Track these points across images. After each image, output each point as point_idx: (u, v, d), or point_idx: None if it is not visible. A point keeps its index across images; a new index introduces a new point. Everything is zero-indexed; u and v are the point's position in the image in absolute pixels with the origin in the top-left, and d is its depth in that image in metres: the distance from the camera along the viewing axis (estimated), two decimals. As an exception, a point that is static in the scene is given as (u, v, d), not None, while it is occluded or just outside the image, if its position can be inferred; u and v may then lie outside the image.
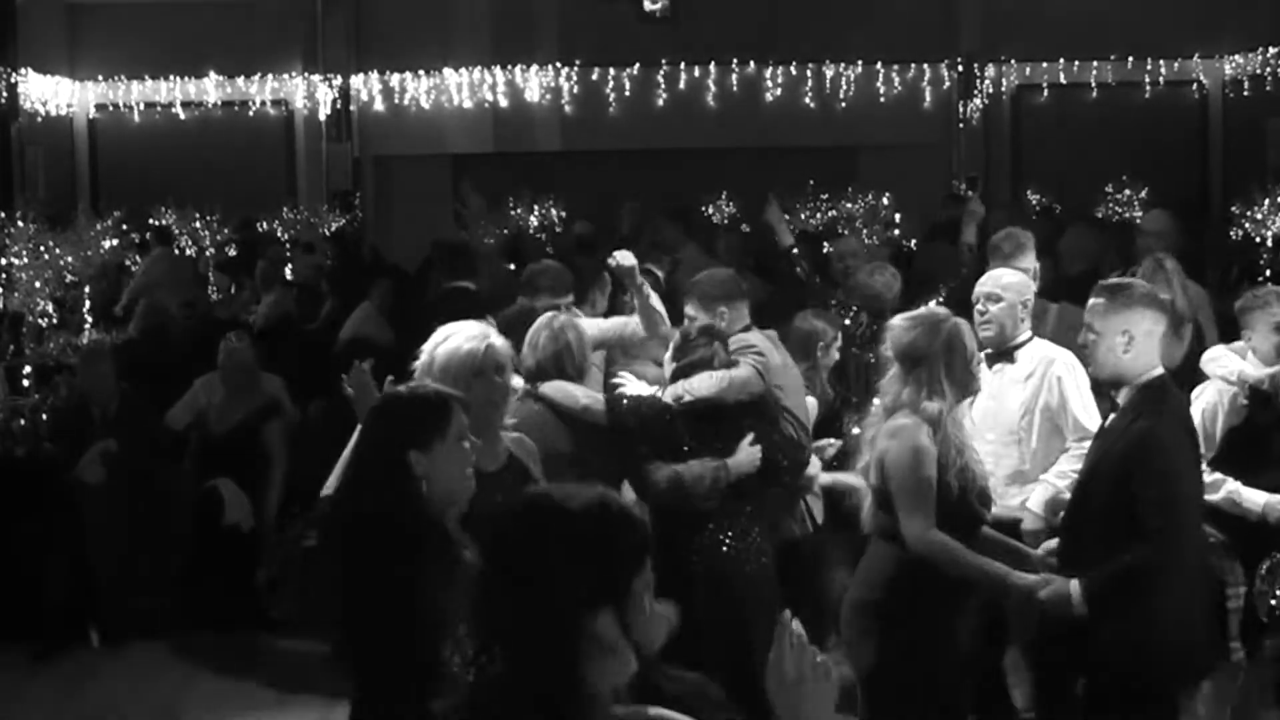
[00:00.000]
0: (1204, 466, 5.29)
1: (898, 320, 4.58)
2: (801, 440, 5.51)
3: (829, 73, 15.67)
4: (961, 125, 15.79)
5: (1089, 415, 5.04)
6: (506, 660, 2.29)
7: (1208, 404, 5.38)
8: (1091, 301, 4.49)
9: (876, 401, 4.62)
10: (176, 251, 12.93)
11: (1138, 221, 7.91)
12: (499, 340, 4.21)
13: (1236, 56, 15.44)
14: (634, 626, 2.31)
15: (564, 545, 2.28)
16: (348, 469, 3.48)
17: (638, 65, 15.55)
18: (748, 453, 5.02)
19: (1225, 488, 5.25)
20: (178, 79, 15.59)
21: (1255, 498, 5.19)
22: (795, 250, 7.58)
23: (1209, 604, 4.47)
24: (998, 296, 5.32)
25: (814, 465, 5.50)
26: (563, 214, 13.57)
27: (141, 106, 15.70)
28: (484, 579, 2.37)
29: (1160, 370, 4.38)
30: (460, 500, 3.49)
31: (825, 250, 11.49)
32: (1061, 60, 15.67)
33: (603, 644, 2.27)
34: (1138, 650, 4.25)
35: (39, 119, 14.48)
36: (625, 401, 5.09)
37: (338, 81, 15.70)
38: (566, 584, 2.26)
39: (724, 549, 5.00)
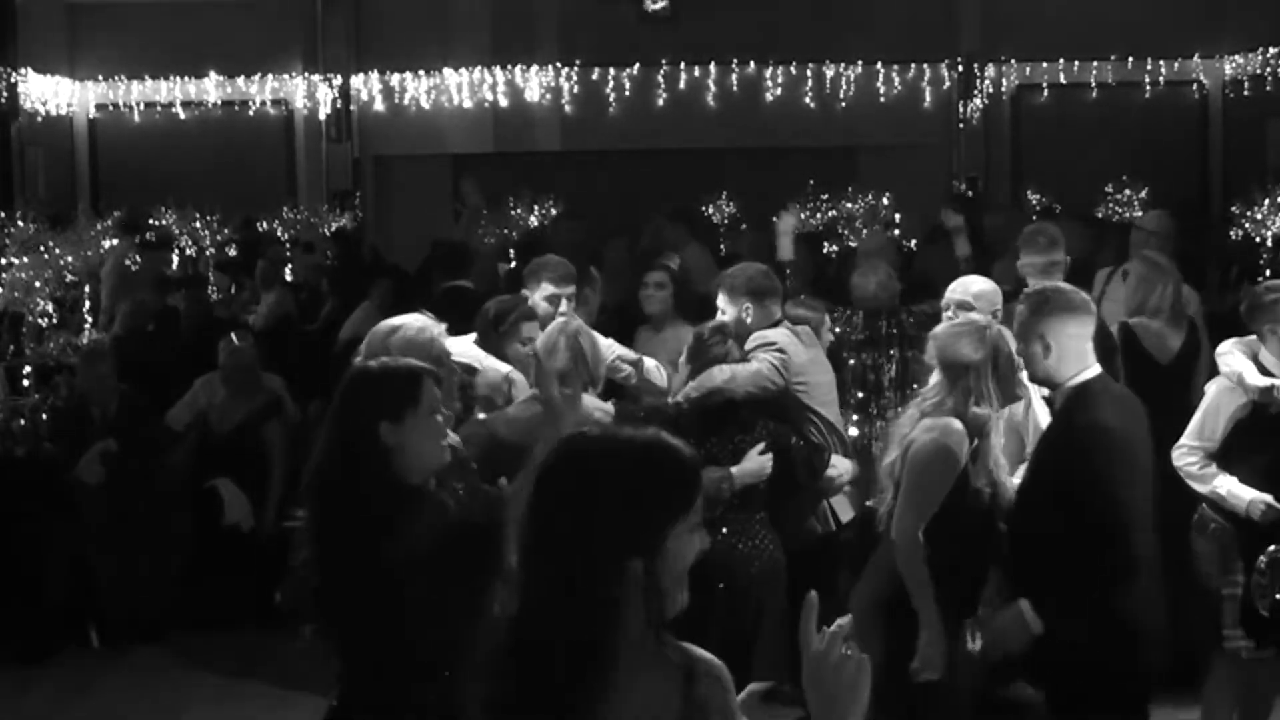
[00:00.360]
0: (1196, 459, 5.31)
1: (941, 328, 4.68)
2: (824, 442, 5.52)
3: (829, 73, 15.66)
4: (961, 125, 15.77)
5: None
6: (547, 599, 2.29)
7: (1211, 399, 5.39)
8: (1016, 309, 4.54)
9: (912, 406, 4.67)
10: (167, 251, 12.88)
11: (1134, 220, 7.88)
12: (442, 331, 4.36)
13: (1236, 56, 15.43)
14: (676, 566, 2.33)
15: (610, 488, 2.30)
16: (321, 442, 3.50)
17: (638, 65, 15.55)
18: (755, 461, 5.03)
19: (1215, 481, 5.26)
20: (178, 79, 15.57)
21: (1241, 494, 5.19)
22: (788, 269, 7.59)
23: (1165, 599, 4.45)
24: (969, 305, 5.33)
25: (840, 465, 5.51)
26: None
27: (141, 106, 15.68)
28: (528, 516, 2.38)
29: (1093, 373, 4.38)
30: (433, 471, 3.51)
31: (825, 250, 11.53)
32: (1061, 60, 15.66)
33: (647, 584, 2.29)
34: (1099, 652, 4.24)
35: (39, 119, 14.46)
36: (639, 416, 5.11)
37: (338, 81, 15.69)
38: (611, 526, 2.28)
39: (735, 550, 5.01)
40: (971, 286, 5.48)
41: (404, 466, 3.41)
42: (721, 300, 5.71)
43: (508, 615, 2.37)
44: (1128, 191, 13.29)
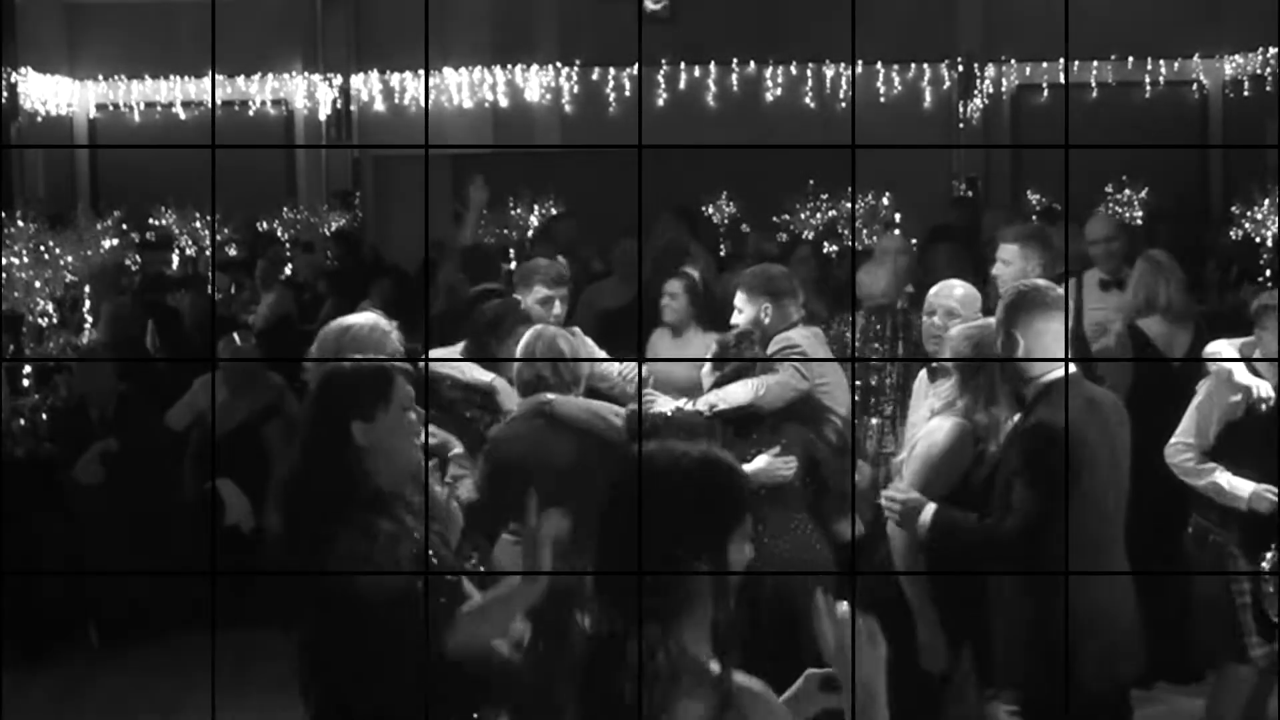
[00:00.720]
0: (1192, 454, 5.30)
1: (957, 330, 4.72)
2: (846, 445, 5.52)
3: (829, 73, 15.66)
4: (961, 125, 15.78)
5: None
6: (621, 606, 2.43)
7: (1203, 397, 5.39)
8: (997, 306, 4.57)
9: (925, 406, 4.69)
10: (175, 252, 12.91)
11: (1085, 232, 7.90)
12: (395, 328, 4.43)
13: (1236, 56, 15.43)
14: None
15: (678, 502, 2.47)
16: (295, 443, 3.50)
17: (638, 65, 15.54)
18: (769, 462, 5.02)
19: (1213, 476, 5.23)
20: (178, 79, 15.58)
21: (1241, 487, 5.14)
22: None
23: (1136, 604, 4.45)
24: (954, 310, 5.31)
25: (861, 470, 5.52)
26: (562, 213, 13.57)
27: (141, 106, 15.69)
28: (600, 533, 2.54)
29: (1064, 371, 4.38)
30: (408, 471, 3.50)
31: (825, 251, 11.52)
32: (1061, 60, 15.65)
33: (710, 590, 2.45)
34: (1060, 656, 4.23)
35: (39, 119, 14.47)
36: (655, 416, 5.11)
37: (338, 81, 15.70)
38: (679, 538, 2.45)
39: (778, 548, 5.00)
40: (955, 290, 5.47)
41: (377, 467, 3.40)
42: (739, 300, 5.71)
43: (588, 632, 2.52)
44: (1128, 191, 13.28)
